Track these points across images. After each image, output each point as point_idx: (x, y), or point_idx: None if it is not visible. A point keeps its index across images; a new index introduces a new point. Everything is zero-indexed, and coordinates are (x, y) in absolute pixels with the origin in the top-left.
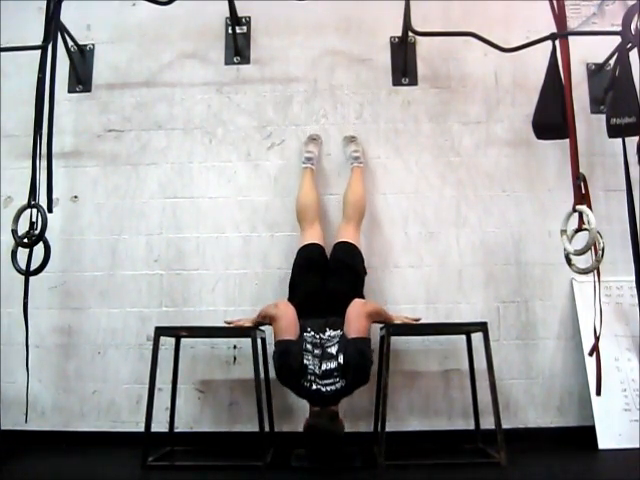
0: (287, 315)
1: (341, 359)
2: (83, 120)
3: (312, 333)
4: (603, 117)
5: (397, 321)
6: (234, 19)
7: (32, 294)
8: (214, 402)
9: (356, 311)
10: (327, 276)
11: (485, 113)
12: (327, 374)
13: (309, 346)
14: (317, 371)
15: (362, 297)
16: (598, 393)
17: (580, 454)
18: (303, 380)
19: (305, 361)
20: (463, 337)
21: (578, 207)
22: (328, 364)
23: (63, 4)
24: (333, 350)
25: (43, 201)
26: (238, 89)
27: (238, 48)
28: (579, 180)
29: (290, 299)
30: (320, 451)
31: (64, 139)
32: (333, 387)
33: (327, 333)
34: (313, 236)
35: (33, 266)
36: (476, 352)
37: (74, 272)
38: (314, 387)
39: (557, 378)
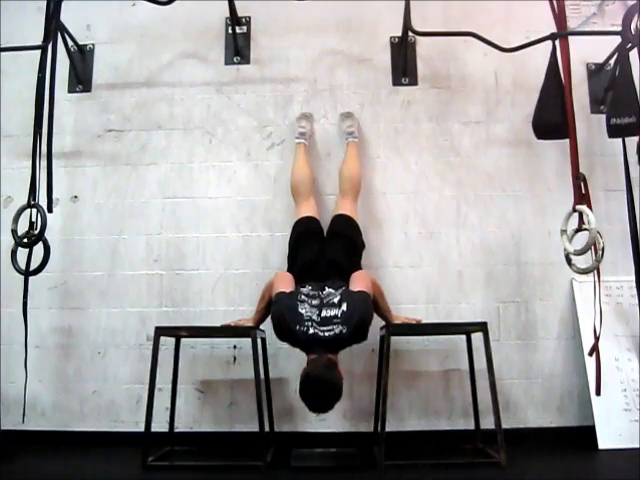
0: (282, 276)
1: (344, 307)
2: (83, 120)
3: (309, 288)
4: (603, 117)
5: (397, 321)
6: (234, 19)
7: (32, 294)
8: (214, 402)
9: (362, 275)
10: (325, 246)
11: (485, 113)
12: (327, 320)
13: (304, 297)
14: (315, 318)
15: (359, 266)
16: (598, 393)
17: (580, 454)
18: (299, 326)
19: (300, 309)
20: (463, 337)
21: (578, 207)
22: (329, 311)
23: (63, 4)
24: (335, 300)
25: (43, 201)
26: (238, 89)
27: (238, 48)
28: (579, 180)
29: (290, 270)
30: (316, 401)
31: (64, 139)
32: (332, 332)
33: (327, 290)
34: (309, 210)
35: (33, 266)
36: (476, 352)
37: (74, 272)
38: (311, 331)
39: (557, 378)
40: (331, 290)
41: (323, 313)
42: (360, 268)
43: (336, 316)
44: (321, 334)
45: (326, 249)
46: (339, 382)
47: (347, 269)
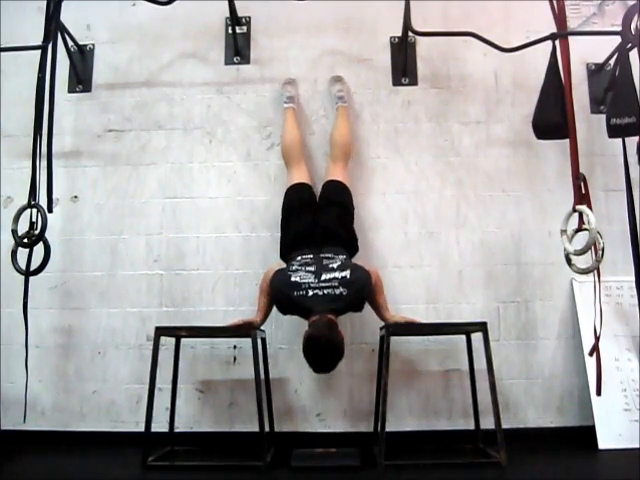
0: (275, 266)
1: (347, 274)
2: (83, 120)
3: (302, 256)
4: (603, 117)
5: (392, 320)
6: (234, 19)
7: (32, 294)
8: (214, 402)
9: (370, 267)
10: (318, 214)
11: (485, 113)
12: (327, 282)
13: (297, 266)
14: (313, 280)
15: (353, 233)
16: (598, 393)
17: (580, 454)
18: (296, 292)
19: (294, 278)
20: (463, 337)
21: (578, 207)
22: (328, 274)
23: (63, 4)
24: (334, 265)
25: (43, 201)
26: (238, 89)
27: (238, 48)
28: (579, 180)
29: (282, 239)
30: (320, 361)
31: (64, 139)
32: (332, 292)
33: (324, 255)
34: (301, 175)
35: (33, 266)
36: (476, 352)
37: (74, 272)
38: (310, 293)
39: (557, 378)
40: (328, 255)
41: (323, 276)
42: (352, 230)
43: (336, 278)
44: (321, 293)
45: (320, 217)
46: (341, 341)
47: (342, 236)
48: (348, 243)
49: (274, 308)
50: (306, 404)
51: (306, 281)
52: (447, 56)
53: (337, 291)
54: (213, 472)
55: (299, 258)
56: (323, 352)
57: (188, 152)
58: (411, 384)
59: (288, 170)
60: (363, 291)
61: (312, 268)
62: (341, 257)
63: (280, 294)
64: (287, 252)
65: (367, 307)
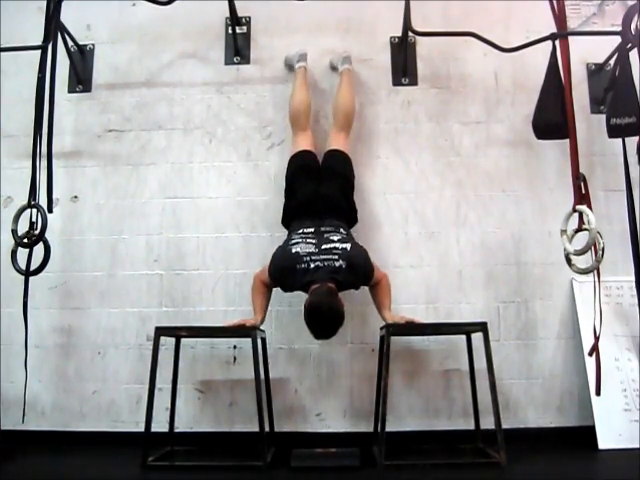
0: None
1: (347, 246)
2: (83, 120)
3: (303, 229)
4: (603, 117)
5: (390, 320)
6: (234, 19)
7: (32, 294)
8: (214, 402)
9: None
10: (320, 183)
11: (485, 113)
12: (327, 251)
13: (298, 239)
14: (314, 250)
15: (353, 204)
16: (598, 393)
17: (580, 454)
18: (298, 265)
19: (295, 250)
20: (463, 337)
21: (578, 207)
22: (328, 244)
23: (63, 4)
24: (334, 237)
25: (43, 201)
26: (238, 89)
27: (238, 48)
28: (579, 180)
29: (285, 206)
30: (321, 327)
31: (64, 139)
32: (332, 263)
33: (324, 228)
34: (306, 142)
35: (33, 266)
36: (476, 352)
37: (74, 272)
38: (312, 266)
39: (557, 378)
40: (329, 228)
41: (323, 246)
42: (354, 204)
43: (336, 248)
44: (321, 265)
45: (322, 188)
46: (341, 308)
47: (343, 208)
48: (348, 214)
49: (274, 304)
50: (306, 404)
51: (307, 251)
52: (447, 56)
53: (337, 264)
54: (213, 472)
55: (300, 231)
56: (324, 318)
57: (188, 152)
58: (411, 384)
59: (294, 135)
60: (363, 270)
61: (313, 240)
62: (342, 231)
63: (283, 270)
64: (289, 220)
65: (367, 308)
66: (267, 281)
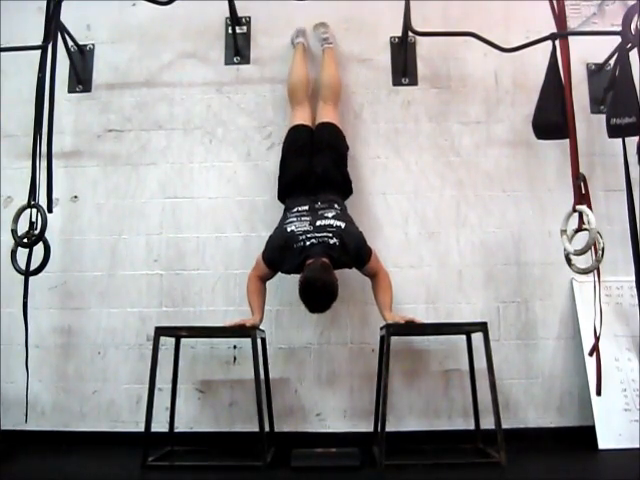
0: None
1: (342, 224)
2: (83, 120)
3: (298, 208)
4: (603, 117)
5: (390, 320)
6: (234, 19)
7: (32, 294)
8: (214, 402)
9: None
10: (313, 157)
11: (485, 113)
12: (322, 229)
13: (293, 217)
14: (308, 228)
15: (347, 176)
16: (598, 393)
17: (580, 454)
18: (295, 244)
19: (290, 228)
20: (463, 337)
21: (578, 207)
22: (323, 221)
23: (63, 4)
24: (329, 214)
25: (43, 201)
26: (238, 89)
27: (238, 48)
28: (579, 180)
29: (280, 180)
30: (315, 300)
31: (64, 139)
32: (326, 240)
33: (319, 205)
34: (303, 116)
35: (33, 266)
36: (476, 352)
37: (74, 272)
38: (308, 243)
39: (557, 378)
40: (324, 205)
41: (318, 223)
42: (348, 176)
43: (330, 225)
44: (316, 241)
45: (315, 162)
46: (334, 283)
47: (338, 181)
48: (343, 186)
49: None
50: (306, 404)
51: (302, 229)
52: (447, 56)
53: (331, 241)
54: (213, 472)
55: (294, 210)
56: (318, 293)
57: (188, 152)
58: (411, 384)
59: (292, 109)
60: (356, 249)
61: (308, 218)
62: (336, 206)
63: (280, 250)
64: (284, 195)
65: (367, 309)
66: (262, 272)
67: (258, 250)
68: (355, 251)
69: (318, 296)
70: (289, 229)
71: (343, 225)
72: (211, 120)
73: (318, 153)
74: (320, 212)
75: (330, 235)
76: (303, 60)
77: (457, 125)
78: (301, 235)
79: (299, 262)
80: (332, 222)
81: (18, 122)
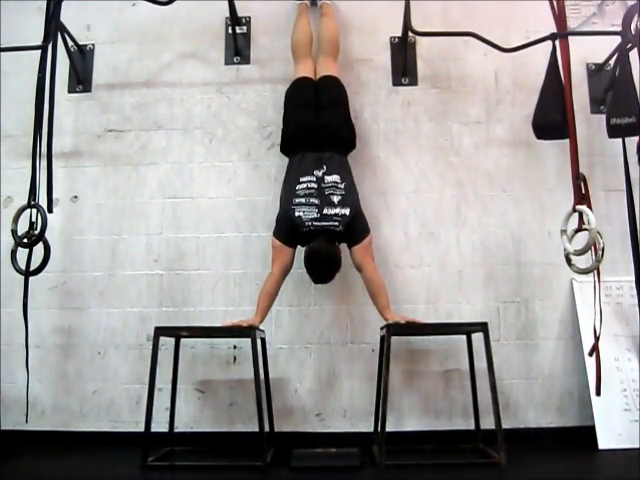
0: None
1: (346, 211)
2: (83, 120)
3: (304, 184)
4: (603, 117)
5: (390, 320)
6: (234, 19)
7: (32, 294)
8: (214, 402)
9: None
10: (319, 110)
11: (485, 113)
12: (328, 218)
13: (300, 198)
14: (316, 215)
15: (353, 128)
16: (598, 393)
17: (580, 454)
18: (302, 228)
19: (297, 213)
20: (463, 337)
21: (578, 207)
22: (330, 210)
23: (63, 4)
24: (335, 200)
25: (43, 201)
26: (238, 89)
27: (238, 48)
28: (579, 180)
29: (284, 132)
30: (319, 269)
31: (64, 139)
32: (333, 229)
33: (327, 179)
34: (306, 69)
35: (33, 266)
36: (476, 352)
37: (74, 272)
38: (313, 229)
39: (557, 378)
40: (329, 178)
41: (325, 211)
42: (354, 127)
43: (337, 214)
44: (321, 228)
45: (322, 115)
46: (338, 254)
47: (345, 137)
48: (348, 141)
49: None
50: (306, 404)
51: (309, 217)
52: (447, 56)
53: (337, 229)
54: (213, 472)
55: (302, 187)
56: (322, 262)
57: (188, 152)
58: (411, 384)
59: (295, 64)
60: (354, 234)
61: (316, 200)
62: (341, 187)
63: (288, 231)
64: (288, 147)
65: (367, 308)
66: (282, 256)
67: (258, 250)
68: (353, 235)
69: (322, 266)
70: (297, 214)
71: (348, 212)
72: (211, 120)
73: (325, 108)
74: (327, 193)
75: (336, 224)
76: (306, 18)
77: (457, 125)
78: (307, 222)
79: (306, 241)
80: (338, 211)
81: (18, 122)
